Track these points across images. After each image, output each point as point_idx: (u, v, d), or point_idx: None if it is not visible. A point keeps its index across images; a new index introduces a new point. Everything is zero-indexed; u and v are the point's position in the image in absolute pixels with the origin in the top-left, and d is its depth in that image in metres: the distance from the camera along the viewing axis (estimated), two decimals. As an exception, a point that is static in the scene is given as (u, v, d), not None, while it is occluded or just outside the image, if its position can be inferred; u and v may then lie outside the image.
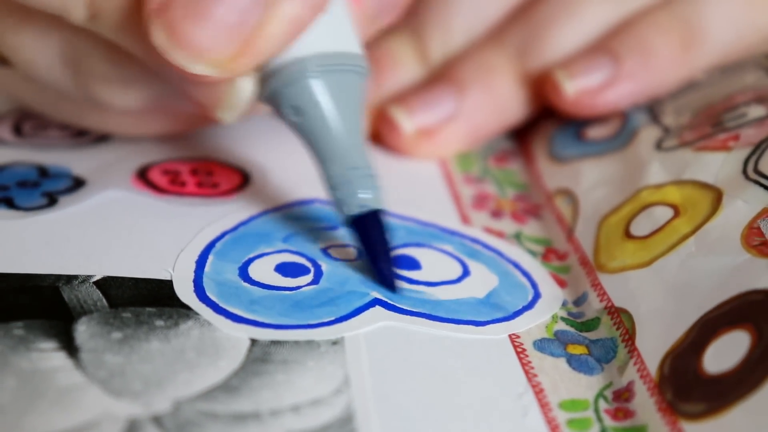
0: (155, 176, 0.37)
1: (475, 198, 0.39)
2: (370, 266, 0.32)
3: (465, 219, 0.37)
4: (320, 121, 0.31)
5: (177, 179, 0.36)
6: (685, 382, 0.28)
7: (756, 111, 0.36)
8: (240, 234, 0.34)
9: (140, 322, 0.29)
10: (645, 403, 0.29)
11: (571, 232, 0.36)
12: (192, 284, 0.31)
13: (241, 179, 0.37)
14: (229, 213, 0.35)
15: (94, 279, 0.31)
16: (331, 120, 0.31)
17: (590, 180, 0.37)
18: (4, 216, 0.33)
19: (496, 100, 0.40)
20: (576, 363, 0.31)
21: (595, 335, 0.32)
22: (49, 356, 0.28)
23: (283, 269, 0.32)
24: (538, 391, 0.29)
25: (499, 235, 0.36)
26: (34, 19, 0.32)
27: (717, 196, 0.33)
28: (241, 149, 0.39)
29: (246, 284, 0.31)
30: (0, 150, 0.38)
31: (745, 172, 0.33)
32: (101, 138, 0.39)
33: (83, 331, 0.29)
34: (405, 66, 0.41)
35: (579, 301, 0.33)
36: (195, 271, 0.32)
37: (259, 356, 0.29)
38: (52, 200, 0.35)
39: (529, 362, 0.30)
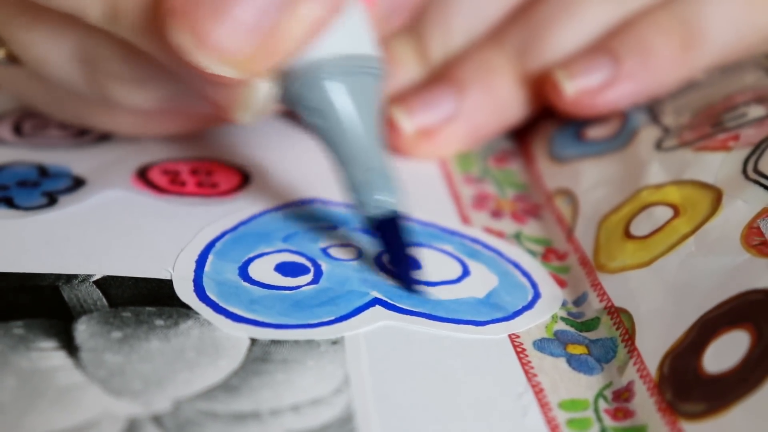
0: (155, 176, 0.37)
1: (475, 198, 0.39)
2: (391, 267, 0.32)
3: (465, 219, 0.37)
4: (339, 122, 0.32)
5: (177, 179, 0.36)
6: (684, 382, 0.28)
7: (756, 111, 0.36)
8: (240, 234, 0.34)
9: (140, 321, 0.29)
10: (645, 403, 0.29)
11: (570, 232, 0.36)
12: (192, 284, 0.31)
13: (240, 179, 0.37)
14: (229, 213, 0.35)
15: (94, 278, 0.31)
16: (350, 122, 0.32)
17: (590, 180, 0.37)
18: (4, 215, 0.33)
19: (496, 101, 0.40)
20: (576, 363, 0.31)
21: (594, 335, 0.32)
22: (49, 355, 0.28)
23: (283, 269, 0.32)
24: (538, 391, 0.29)
25: (499, 235, 0.36)
26: (48, 18, 0.32)
27: (717, 196, 0.33)
28: (241, 149, 0.39)
29: (246, 284, 0.31)
30: (0, 149, 0.38)
31: (744, 171, 0.33)
32: (101, 138, 0.39)
33: (83, 330, 0.29)
34: (405, 66, 0.41)
35: (579, 301, 0.33)
36: (195, 271, 0.32)
37: (259, 356, 0.29)
38: (52, 200, 0.35)
39: (529, 362, 0.30)
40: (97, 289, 0.30)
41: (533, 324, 0.32)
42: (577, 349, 0.31)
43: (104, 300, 0.30)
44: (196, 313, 0.30)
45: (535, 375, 0.30)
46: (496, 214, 0.38)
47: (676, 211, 0.33)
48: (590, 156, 0.39)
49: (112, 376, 0.28)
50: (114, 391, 0.27)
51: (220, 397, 0.27)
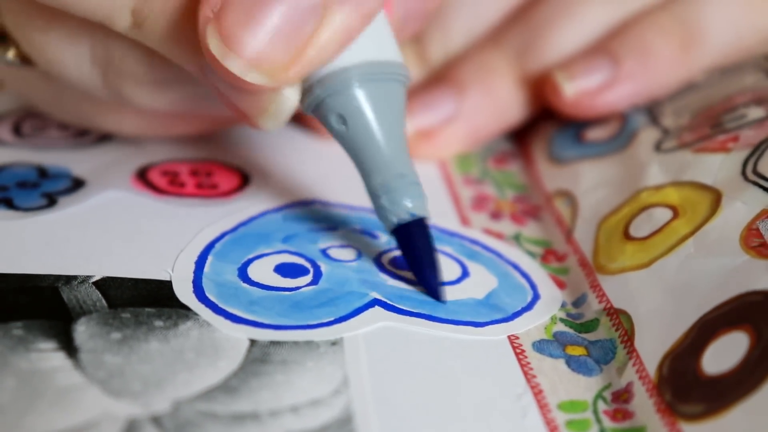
0: (155, 177, 0.37)
1: (474, 199, 0.39)
2: (414, 275, 0.32)
3: (464, 220, 0.37)
4: (366, 129, 0.31)
5: (176, 180, 0.36)
6: (684, 383, 0.28)
7: (755, 112, 0.36)
8: (239, 235, 0.34)
9: (139, 322, 0.29)
10: (644, 404, 0.29)
11: (570, 233, 0.36)
12: (191, 285, 0.31)
13: (240, 180, 0.37)
14: (228, 214, 0.35)
15: (94, 279, 0.31)
16: (377, 128, 0.31)
17: (589, 181, 0.37)
18: (3, 216, 0.34)
19: (496, 102, 0.40)
20: (575, 364, 0.31)
21: (594, 336, 0.32)
22: (49, 356, 0.28)
23: (283, 270, 0.32)
24: (537, 392, 0.29)
25: (499, 236, 0.36)
26: (65, 20, 0.32)
27: (716, 198, 0.33)
28: (241, 150, 0.39)
29: (245, 285, 0.31)
30: (0, 150, 0.38)
31: (744, 173, 0.33)
32: (101, 138, 0.39)
33: (82, 331, 0.29)
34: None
35: (578, 302, 0.33)
36: (194, 272, 0.32)
37: (258, 357, 0.29)
38: (51, 201, 0.35)
39: (528, 363, 0.30)
40: (97, 290, 0.30)
41: (532, 325, 0.32)
42: (577, 351, 0.31)
43: (104, 301, 0.30)
44: (196, 314, 0.30)
45: (534, 376, 0.30)
46: (496, 215, 0.38)
47: (676, 212, 0.33)
48: (590, 157, 0.39)
49: (112, 376, 0.28)
50: (113, 391, 0.27)
51: (220, 398, 0.27)
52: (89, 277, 0.31)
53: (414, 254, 0.32)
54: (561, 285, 0.34)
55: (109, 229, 0.34)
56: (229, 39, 0.29)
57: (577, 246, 0.35)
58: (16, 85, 0.38)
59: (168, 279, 0.31)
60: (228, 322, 0.30)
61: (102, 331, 0.29)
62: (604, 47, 0.39)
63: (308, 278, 0.32)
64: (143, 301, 0.30)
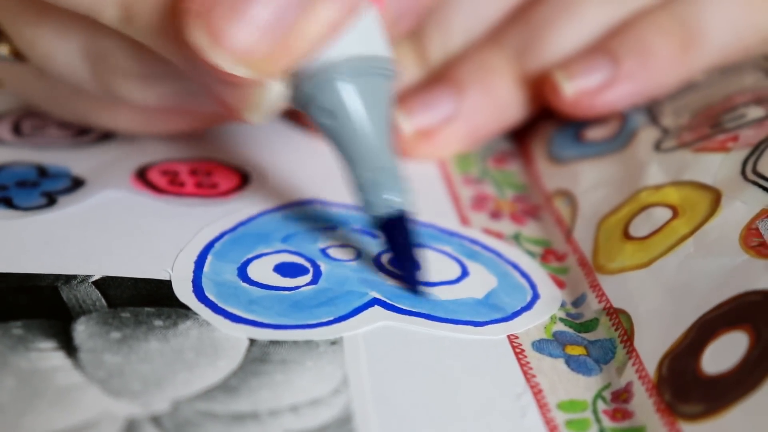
0: (154, 176, 0.37)
1: (474, 199, 0.39)
2: (397, 268, 0.32)
3: (464, 220, 0.37)
4: (351, 123, 0.31)
5: (176, 179, 0.36)
6: (683, 383, 0.28)
7: (755, 112, 0.36)
8: (239, 234, 0.34)
9: (139, 322, 0.29)
10: (643, 404, 0.29)
11: (569, 233, 0.36)
12: (191, 284, 0.31)
13: (240, 179, 0.37)
14: (228, 213, 0.35)
15: (93, 279, 0.31)
16: (362, 122, 0.32)
17: (589, 181, 0.37)
18: (3, 216, 0.33)
19: (495, 101, 0.40)
20: (574, 364, 0.31)
21: (593, 336, 0.32)
22: (48, 356, 0.28)
23: (282, 269, 0.32)
24: (537, 392, 0.29)
25: (498, 236, 0.36)
26: (55, 14, 0.32)
27: (716, 197, 0.33)
28: (240, 149, 0.39)
29: (245, 284, 0.31)
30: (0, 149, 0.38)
31: (743, 173, 0.33)
32: (101, 138, 0.39)
33: (82, 330, 0.29)
34: (404, 67, 0.41)
35: (578, 302, 0.33)
36: (194, 271, 0.32)
37: (257, 356, 0.29)
38: (51, 200, 0.35)
39: (528, 363, 0.30)
40: (96, 290, 0.30)
41: (532, 325, 0.32)
42: (576, 350, 0.31)
43: (103, 300, 0.30)
44: (195, 313, 0.30)
45: (533, 376, 0.30)
46: (495, 214, 0.38)
47: (675, 212, 0.33)
48: (589, 157, 0.39)
49: (111, 376, 0.28)
50: (113, 391, 0.27)
51: (219, 398, 0.27)
52: (89, 276, 0.31)
53: (397, 248, 0.32)
54: (560, 284, 0.34)
55: (108, 228, 0.34)
56: (212, 32, 0.29)
57: (577, 246, 0.35)
58: (12, 81, 0.38)
59: (167, 278, 0.31)
60: (227, 322, 0.30)
61: (101, 330, 0.29)
62: (604, 47, 0.39)
63: (308, 278, 0.32)
64: (143, 301, 0.30)
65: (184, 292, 0.31)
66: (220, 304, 0.30)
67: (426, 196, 0.38)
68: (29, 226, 0.33)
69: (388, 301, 0.31)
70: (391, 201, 0.32)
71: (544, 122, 0.42)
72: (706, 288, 0.30)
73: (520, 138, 0.43)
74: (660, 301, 0.31)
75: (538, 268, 0.35)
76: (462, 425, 0.28)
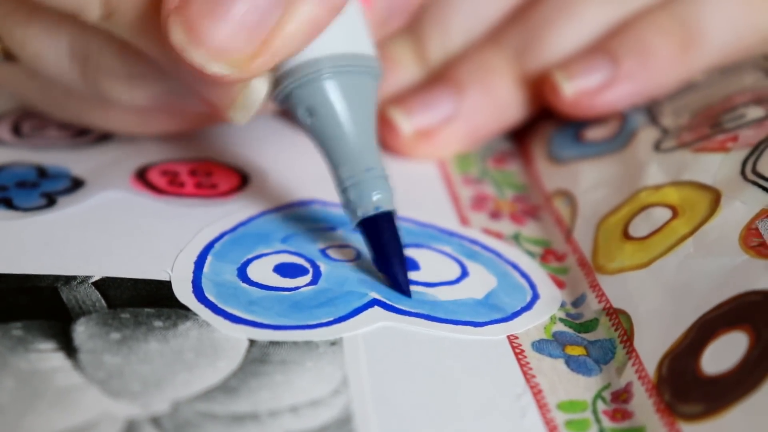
0: (154, 177, 0.37)
1: (473, 199, 0.39)
2: (380, 269, 0.32)
3: (464, 220, 0.37)
4: (334, 122, 0.31)
5: (176, 180, 0.36)
6: (683, 383, 0.28)
7: (754, 112, 0.36)
8: (239, 235, 0.34)
9: (139, 322, 0.29)
10: (643, 404, 0.29)
11: (569, 233, 0.36)
12: (191, 285, 0.31)
13: (239, 180, 0.37)
14: (227, 214, 0.35)
15: (93, 279, 0.31)
16: (345, 121, 0.31)
17: (589, 181, 0.37)
18: (3, 216, 0.34)
19: (495, 101, 0.40)
20: (574, 364, 0.31)
21: (593, 336, 0.32)
22: (48, 357, 0.28)
23: (282, 270, 0.32)
24: (537, 392, 0.29)
25: (498, 236, 0.36)
26: (43, 15, 0.32)
27: (715, 197, 0.33)
28: (240, 150, 0.39)
29: (245, 285, 0.31)
30: (-1, 150, 0.38)
31: (743, 173, 0.33)
32: (100, 138, 0.39)
33: (82, 331, 0.29)
34: (404, 67, 0.41)
35: (577, 302, 0.33)
36: (194, 272, 0.32)
37: (257, 357, 0.29)
38: (51, 201, 0.35)
39: (528, 363, 0.30)
40: (96, 291, 0.30)
41: (532, 325, 0.32)
42: (576, 350, 0.31)
43: (103, 301, 0.30)
44: (195, 314, 0.30)
45: (533, 376, 0.30)
46: (495, 215, 0.38)
47: (675, 212, 0.33)
48: (589, 157, 0.39)
49: (111, 377, 0.28)
50: (113, 392, 0.27)
51: (219, 399, 0.27)
52: (88, 277, 0.31)
53: (379, 248, 0.32)
54: (560, 285, 0.34)
55: (108, 229, 0.34)
56: (192, 30, 0.29)
57: (577, 246, 0.35)
58: (7, 81, 0.38)
59: (167, 279, 0.31)
60: (227, 323, 0.30)
61: (101, 331, 0.29)
62: (604, 47, 0.39)
63: (307, 278, 0.32)
64: (142, 302, 0.30)
65: (183, 292, 0.31)
66: (219, 305, 0.30)
67: (425, 196, 0.38)
68: (29, 227, 0.33)
69: (387, 301, 0.31)
70: (374, 201, 0.31)
71: (544, 122, 0.42)
72: (706, 288, 0.30)
73: (519, 138, 0.43)
74: (660, 302, 0.31)
75: (537, 269, 0.35)
76: (462, 425, 0.28)
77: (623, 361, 0.30)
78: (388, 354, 0.30)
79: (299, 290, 0.31)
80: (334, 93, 0.31)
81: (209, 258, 0.32)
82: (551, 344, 0.31)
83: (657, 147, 0.37)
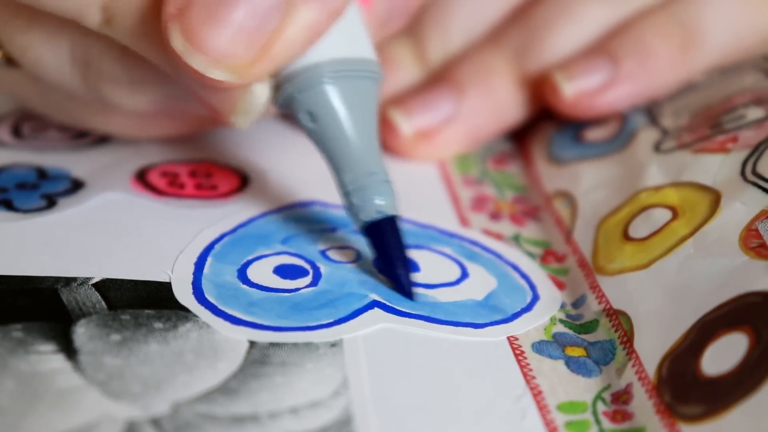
0: (154, 178, 0.37)
1: (473, 200, 0.39)
2: (384, 273, 0.32)
3: (464, 221, 0.37)
4: (335, 126, 0.31)
5: (176, 181, 0.36)
6: (683, 384, 0.28)
7: (754, 113, 0.36)
8: (239, 236, 0.34)
9: (139, 324, 0.29)
10: (643, 405, 0.29)
11: (569, 234, 0.36)
12: (191, 286, 0.31)
13: (239, 181, 0.37)
14: (227, 215, 0.35)
15: (93, 281, 0.31)
16: (346, 125, 0.31)
17: (589, 182, 0.37)
18: (3, 218, 0.34)
19: (495, 102, 0.40)
20: (574, 365, 0.31)
21: (593, 337, 0.32)
22: (48, 358, 0.28)
23: (282, 271, 0.32)
24: (537, 393, 0.29)
25: (498, 237, 0.36)
26: (44, 20, 0.32)
27: (715, 198, 0.33)
28: (240, 151, 0.39)
29: (245, 286, 0.31)
30: (-1, 152, 0.38)
31: (743, 173, 0.33)
32: (100, 140, 0.39)
33: (82, 333, 0.29)
34: (404, 68, 0.41)
35: (577, 303, 0.33)
36: (194, 273, 0.32)
37: (257, 358, 0.29)
38: (51, 202, 0.35)
39: (528, 364, 0.30)
40: (96, 292, 0.30)
41: (532, 326, 0.32)
42: (576, 352, 0.31)
43: (103, 303, 0.30)
44: (195, 315, 0.30)
45: (533, 377, 0.30)
46: (495, 215, 0.38)
47: (675, 213, 0.33)
48: (589, 158, 0.39)
49: (111, 378, 0.28)
50: (113, 393, 0.27)
51: (219, 400, 0.27)
52: (89, 278, 0.31)
53: (384, 252, 0.32)
54: (560, 286, 0.34)
55: (108, 230, 0.34)
56: (192, 36, 0.29)
57: (577, 247, 0.35)
58: (8, 85, 0.38)
59: (167, 280, 0.31)
60: (227, 324, 0.30)
61: (101, 332, 0.29)
62: (604, 48, 0.39)
63: (307, 279, 0.32)
64: (143, 303, 0.30)
65: (183, 294, 0.31)
66: (220, 306, 0.30)
67: (425, 197, 0.38)
68: (29, 228, 0.33)
69: (387, 303, 0.31)
70: (378, 206, 0.31)
71: (544, 123, 0.42)
72: (706, 289, 0.30)
73: (519, 139, 0.43)
74: (660, 302, 0.31)
75: (537, 270, 0.35)
76: (462, 427, 0.28)
77: (623, 362, 0.30)
78: (388, 355, 0.30)
79: (299, 292, 0.31)
80: (335, 98, 0.31)
81: (209, 259, 0.32)
82: (551, 345, 0.31)
83: (657, 148, 0.37)
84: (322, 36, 0.31)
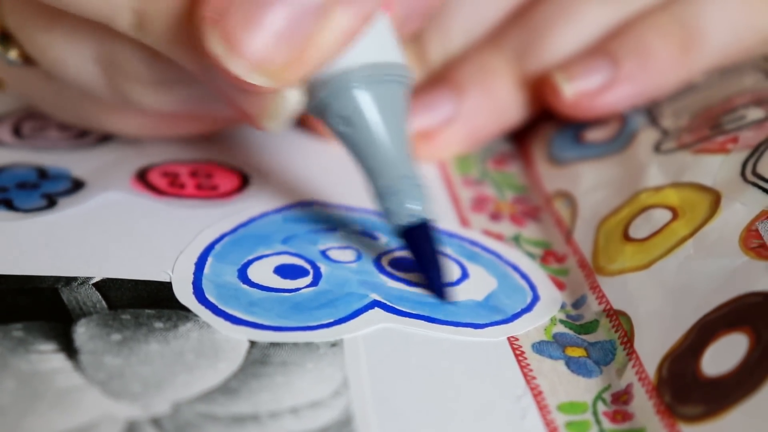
0: (155, 178, 0.37)
1: (473, 200, 0.39)
2: (423, 277, 0.32)
3: (464, 221, 0.37)
4: (368, 131, 0.32)
5: (176, 181, 0.36)
6: (683, 385, 0.28)
7: (754, 113, 0.36)
8: (239, 236, 0.34)
9: (139, 323, 0.29)
10: (643, 406, 0.29)
11: (569, 234, 0.36)
12: (191, 286, 0.31)
13: (240, 181, 0.37)
14: (228, 215, 0.35)
15: (94, 281, 0.31)
16: (380, 130, 0.32)
17: (589, 182, 0.37)
18: (3, 217, 0.34)
19: (495, 103, 0.40)
20: (574, 365, 0.31)
21: (593, 338, 0.32)
22: (49, 358, 0.28)
23: (282, 271, 0.32)
24: (537, 394, 0.29)
25: (498, 237, 0.36)
26: (67, 20, 0.32)
27: (715, 199, 0.33)
28: (241, 151, 0.39)
29: (245, 286, 0.31)
30: (0, 151, 0.38)
31: (743, 174, 0.33)
32: (101, 140, 0.39)
33: (82, 332, 0.29)
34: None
35: (578, 303, 0.33)
36: (194, 273, 0.32)
37: (258, 358, 0.29)
38: (51, 202, 0.35)
39: (528, 365, 0.30)
40: (97, 292, 0.30)
41: (532, 327, 0.32)
42: (576, 352, 0.31)
43: (104, 302, 0.30)
44: (196, 315, 0.30)
45: (533, 378, 0.30)
46: (495, 216, 0.38)
47: (675, 213, 0.33)
48: (589, 158, 0.39)
49: (112, 378, 0.28)
50: (113, 393, 0.27)
51: (219, 400, 0.27)
52: (89, 278, 0.31)
53: (420, 256, 0.32)
54: (560, 286, 0.34)
55: (109, 230, 0.34)
56: (231, 41, 0.29)
57: (577, 247, 0.35)
58: (17, 85, 0.38)
59: (168, 280, 0.31)
60: (228, 324, 0.30)
61: (102, 332, 0.29)
62: (604, 48, 0.39)
63: (308, 279, 0.32)
64: (143, 303, 0.30)
65: (184, 293, 0.31)
66: (220, 306, 0.30)
67: (426, 198, 0.38)
68: (29, 228, 0.33)
69: (388, 303, 0.31)
70: (411, 210, 0.32)
71: (544, 124, 0.42)
72: (706, 289, 0.30)
73: (520, 139, 0.43)
74: (660, 303, 0.31)
75: (538, 270, 0.35)
76: (462, 427, 0.28)
77: (623, 363, 0.30)
78: (389, 355, 0.30)
79: (300, 291, 0.31)
80: (368, 102, 0.31)
81: (210, 259, 0.32)
82: (551, 346, 0.31)
83: (657, 148, 0.37)
84: (356, 40, 0.31)
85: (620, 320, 0.32)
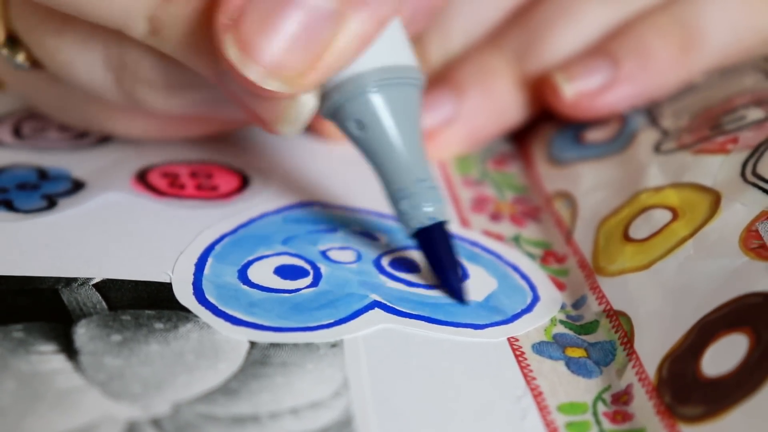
0: (154, 179, 0.37)
1: (474, 201, 0.39)
2: (437, 278, 0.32)
3: (464, 222, 0.37)
4: (384, 134, 0.32)
5: (176, 182, 0.37)
6: (683, 385, 0.28)
7: (754, 114, 0.36)
8: (239, 236, 0.34)
9: (139, 324, 0.29)
10: (643, 406, 0.29)
11: (569, 235, 0.36)
12: (191, 287, 0.31)
13: (240, 182, 0.37)
14: (228, 216, 0.35)
15: (94, 281, 0.31)
16: (394, 133, 0.32)
17: (589, 183, 0.37)
18: (3, 218, 0.34)
19: (495, 103, 0.40)
20: (575, 366, 0.31)
21: (593, 338, 0.32)
22: (49, 359, 0.28)
23: (283, 272, 0.32)
24: (537, 394, 0.29)
25: (498, 238, 0.36)
26: (77, 25, 0.32)
27: (715, 199, 0.33)
28: (241, 152, 0.39)
29: (245, 287, 0.31)
30: (0, 152, 0.38)
31: (743, 174, 0.33)
32: (101, 140, 0.39)
33: (83, 333, 0.29)
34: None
35: (578, 304, 0.33)
36: (194, 274, 0.32)
37: (258, 359, 0.29)
38: (51, 203, 0.35)
39: (528, 365, 0.30)
40: (97, 293, 0.31)
41: (532, 327, 0.32)
42: (576, 352, 0.31)
43: (104, 303, 0.30)
44: (196, 316, 0.30)
45: (534, 378, 0.30)
46: (495, 216, 0.38)
47: (675, 214, 0.33)
48: (589, 159, 0.39)
49: (112, 379, 0.28)
50: (113, 394, 0.27)
51: (220, 401, 0.27)
52: (89, 279, 0.31)
53: (436, 258, 0.32)
54: (561, 286, 0.34)
55: (109, 231, 0.34)
56: (247, 46, 0.29)
57: (577, 247, 0.35)
58: (21, 87, 0.37)
59: (168, 281, 0.31)
60: (228, 324, 0.30)
61: (102, 333, 0.29)
62: (604, 49, 0.39)
63: (308, 280, 0.32)
64: (143, 303, 0.30)
65: (184, 294, 0.31)
66: (220, 307, 0.30)
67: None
68: (30, 229, 0.33)
69: (388, 303, 0.31)
70: (426, 212, 0.32)
71: (544, 124, 0.42)
72: (706, 290, 0.30)
73: (520, 140, 0.43)
74: (660, 303, 0.31)
75: (538, 270, 0.35)
76: (462, 427, 0.28)
77: (623, 363, 0.30)
78: (389, 356, 0.30)
79: (300, 292, 0.31)
80: (384, 106, 0.31)
81: (210, 260, 0.32)
82: (551, 346, 0.31)
83: (657, 149, 0.37)
84: (370, 45, 0.31)
85: (620, 321, 0.32)
